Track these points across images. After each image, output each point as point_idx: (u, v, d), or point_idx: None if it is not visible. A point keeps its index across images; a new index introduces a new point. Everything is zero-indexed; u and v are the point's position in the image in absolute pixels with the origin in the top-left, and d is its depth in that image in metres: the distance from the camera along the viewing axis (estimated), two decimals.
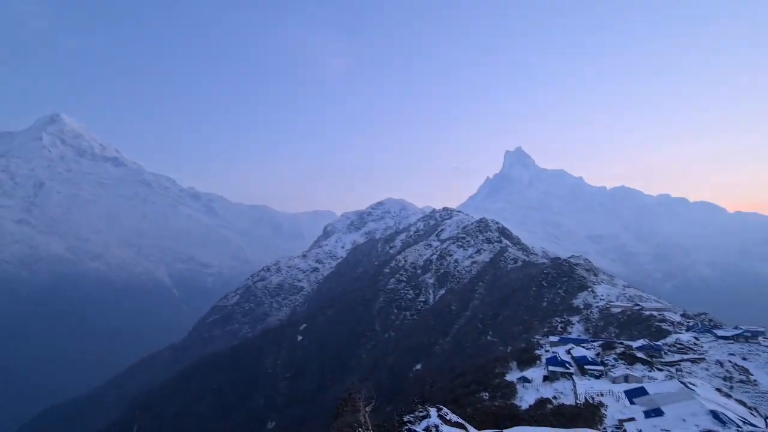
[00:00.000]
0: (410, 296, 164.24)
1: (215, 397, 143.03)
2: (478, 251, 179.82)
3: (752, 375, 50.49)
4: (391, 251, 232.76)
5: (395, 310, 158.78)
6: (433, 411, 9.72)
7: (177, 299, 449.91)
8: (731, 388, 46.29)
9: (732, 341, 59.86)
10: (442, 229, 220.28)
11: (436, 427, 8.55)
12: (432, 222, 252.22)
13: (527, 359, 50.52)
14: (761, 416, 30.07)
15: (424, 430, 8.77)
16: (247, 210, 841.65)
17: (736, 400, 35.70)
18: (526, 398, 31.68)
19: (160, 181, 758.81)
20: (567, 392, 33.59)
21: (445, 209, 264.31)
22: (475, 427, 7.88)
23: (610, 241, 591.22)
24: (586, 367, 40.46)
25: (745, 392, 45.68)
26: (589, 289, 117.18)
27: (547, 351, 52.59)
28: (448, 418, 9.38)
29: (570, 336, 77.33)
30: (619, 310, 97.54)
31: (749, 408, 32.37)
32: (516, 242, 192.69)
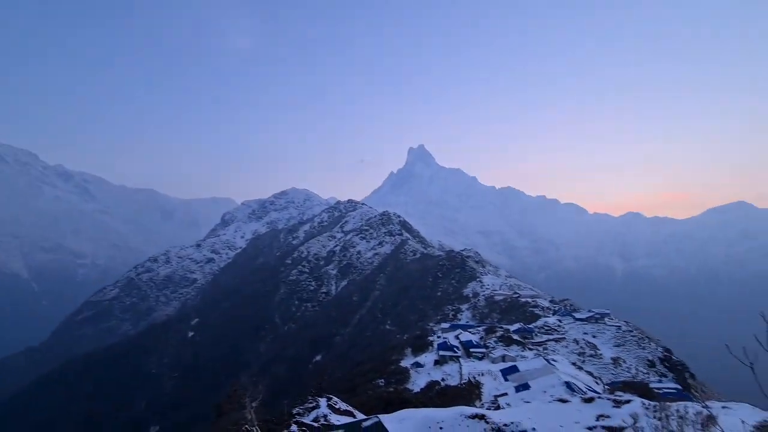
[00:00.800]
0: (312, 287, 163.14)
1: (88, 403, 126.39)
2: (381, 243, 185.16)
3: (599, 350, 60.60)
4: (294, 242, 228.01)
5: (297, 302, 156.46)
6: (322, 401, 9.94)
7: (36, 294, 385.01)
8: (583, 361, 55.01)
9: (586, 322, 71.02)
10: (346, 221, 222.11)
11: (325, 416, 8.80)
12: (336, 213, 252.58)
13: (421, 345, 53.96)
14: (602, 383, 36.53)
15: (312, 420, 8.96)
16: (131, 194, 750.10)
17: (586, 371, 42.65)
18: (418, 382, 34.07)
19: (18, 155, 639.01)
20: (454, 374, 36.82)
21: (350, 201, 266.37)
22: (365, 413, 8.27)
23: (498, 236, 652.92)
24: (471, 350, 44.69)
25: (594, 364, 54.69)
26: (478, 280, 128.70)
27: (438, 337, 56.71)
28: (337, 407, 9.71)
29: (459, 322, 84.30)
30: (501, 297, 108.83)
31: (595, 377, 38.99)
32: (416, 235, 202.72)
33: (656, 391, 26.83)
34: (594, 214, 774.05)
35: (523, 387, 21.52)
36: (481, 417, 6.64)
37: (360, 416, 8.28)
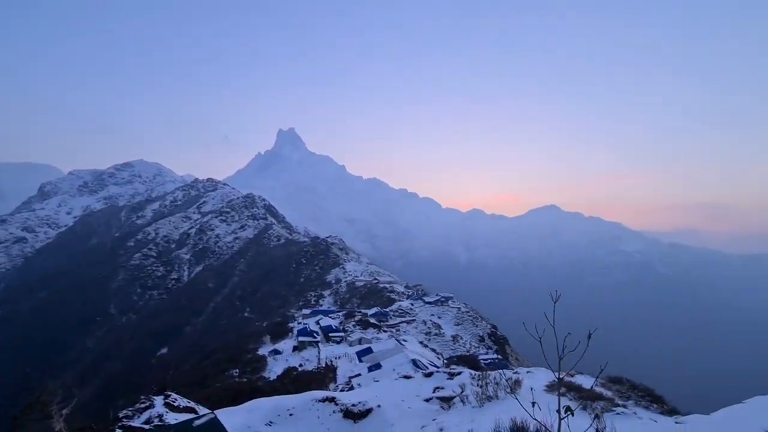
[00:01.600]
0: (160, 273, 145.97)
1: None
2: (243, 227, 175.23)
3: (442, 329, 68.31)
4: (139, 222, 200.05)
5: (139, 290, 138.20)
6: (158, 399, 8.86)
7: None
8: (429, 339, 61.36)
9: (433, 305, 79.16)
10: (204, 201, 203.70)
11: (160, 416, 7.87)
12: (194, 192, 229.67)
13: (280, 332, 53.09)
14: (443, 358, 41.44)
15: (144, 422, 7.89)
16: None
17: (431, 348, 47.72)
18: (275, 369, 33.52)
19: None
20: (312, 359, 37.31)
21: (210, 180, 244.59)
22: (211, 407, 7.64)
23: (362, 224, 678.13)
24: (330, 334, 45.80)
25: (437, 342, 61.42)
26: (341, 266, 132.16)
27: (299, 323, 56.56)
28: (176, 404, 8.79)
29: (321, 308, 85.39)
30: (362, 283, 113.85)
31: (437, 353, 43.88)
32: (281, 220, 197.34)
33: (483, 361, 31.52)
34: (446, 209, 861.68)
35: (376, 367, 23.09)
36: (331, 399, 6.85)
37: (204, 411, 7.64)
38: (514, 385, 6.74)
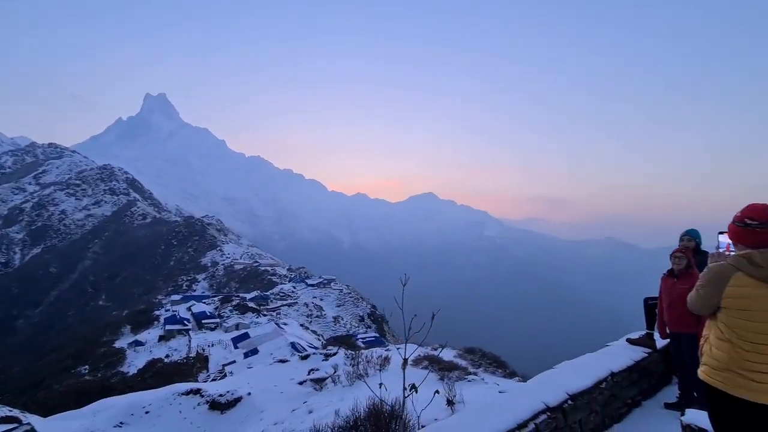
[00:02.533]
0: None
1: None
2: (98, 203, 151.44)
3: (324, 311, 69.02)
4: None
5: None
6: None
7: None
8: (311, 322, 61.49)
9: (316, 287, 79.36)
10: (45, 171, 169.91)
11: None
12: (29, 159, 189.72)
13: (144, 321, 47.68)
14: (323, 339, 42.04)
15: None
16: None
17: (312, 330, 47.94)
18: (136, 363, 29.95)
19: None
20: (182, 348, 34.34)
21: (52, 146, 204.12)
22: (45, 414, 6.41)
23: (243, 203, 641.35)
24: (203, 321, 42.74)
25: (319, 324, 61.89)
26: (218, 248, 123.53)
27: (167, 311, 51.49)
28: None
29: (194, 293, 79.04)
30: (241, 266, 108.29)
31: (318, 335, 44.29)
32: (147, 197, 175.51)
33: (362, 340, 32.88)
34: (331, 192, 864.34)
35: (252, 352, 22.34)
36: (196, 391, 6.44)
37: (33, 420, 6.31)
38: (383, 362, 7.17)
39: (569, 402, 3.34)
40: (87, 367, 32.65)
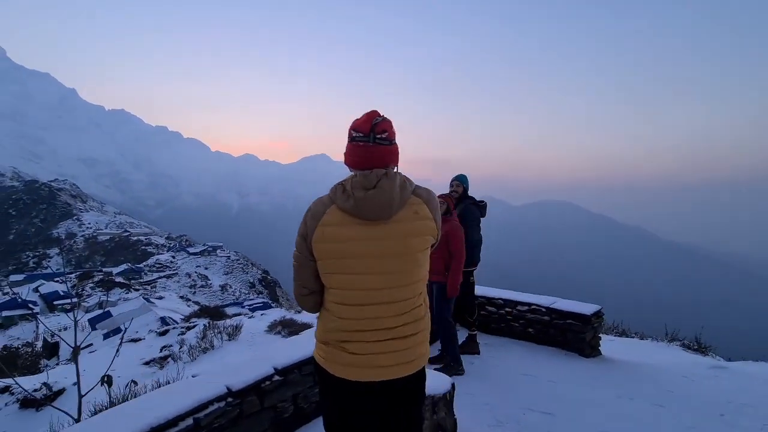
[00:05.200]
0: None
1: None
2: None
3: (210, 279, 65.00)
4: None
5: None
6: None
7: None
8: (194, 293, 57.47)
9: (199, 255, 73.96)
10: None
11: None
12: None
13: None
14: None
15: None
16: None
17: (194, 301, 44.80)
18: None
19: None
20: (28, 336, 29.37)
21: None
22: None
23: (106, 166, 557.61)
24: (56, 302, 36.92)
25: (204, 294, 58.22)
26: (75, 218, 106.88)
27: (6, 294, 43.11)
28: None
29: (43, 272, 67.48)
30: (107, 237, 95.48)
31: (201, 305, 41.65)
32: None
33: (248, 306, 31.86)
34: (216, 152, 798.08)
35: (115, 332, 19.94)
36: (4, 390, 5.43)
37: None
38: (234, 331, 6.85)
39: (277, 378, 2.73)
40: None
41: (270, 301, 43.98)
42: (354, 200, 1.47)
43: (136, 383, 5.39)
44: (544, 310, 5.26)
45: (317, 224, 1.54)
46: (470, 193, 4.88)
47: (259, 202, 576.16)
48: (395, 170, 1.56)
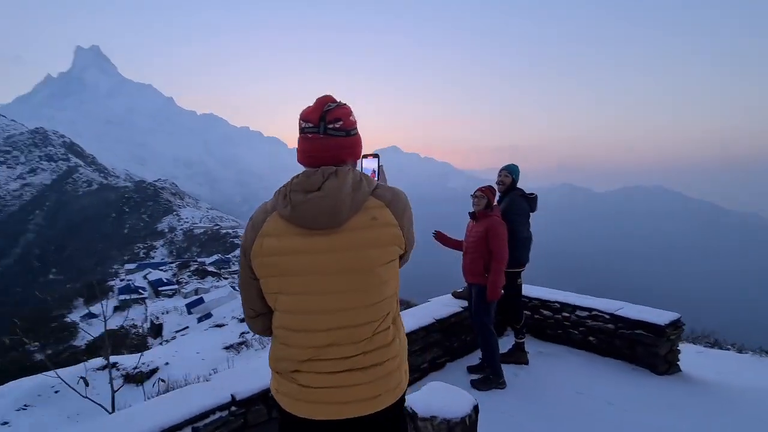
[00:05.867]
0: None
1: None
2: (33, 171, 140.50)
3: None
4: None
5: None
6: None
7: None
8: None
9: None
10: None
11: None
12: None
13: (97, 293, 45.98)
14: None
15: None
16: None
17: None
18: (89, 336, 29.17)
19: None
20: (138, 317, 33.74)
21: None
22: None
23: (199, 166, 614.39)
24: (160, 288, 41.85)
25: None
26: (175, 213, 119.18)
27: (122, 280, 49.86)
28: None
29: (151, 261, 76.69)
30: (201, 230, 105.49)
31: None
32: (91, 162, 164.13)
33: None
34: (292, 149, 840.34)
35: (206, 317, 22.23)
36: (112, 365, 6.28)
37: None
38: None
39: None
40: (38, 344, 31.48)
41: None
42: (291, 206, 1.20)
43: (164, 381, 5.73)
44: (607, 317, 4.50)
45: (256, 235, 1.25)
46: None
47: None
48: (350, 168, 1.26)
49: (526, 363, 4.31)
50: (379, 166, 1.68)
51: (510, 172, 4.29)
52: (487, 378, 3.78)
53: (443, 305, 4.53)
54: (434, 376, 3.99)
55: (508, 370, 4.03)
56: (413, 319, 4.12)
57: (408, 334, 3.60)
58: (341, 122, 1.24)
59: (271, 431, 2.51)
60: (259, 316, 1.38)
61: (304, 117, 1.24)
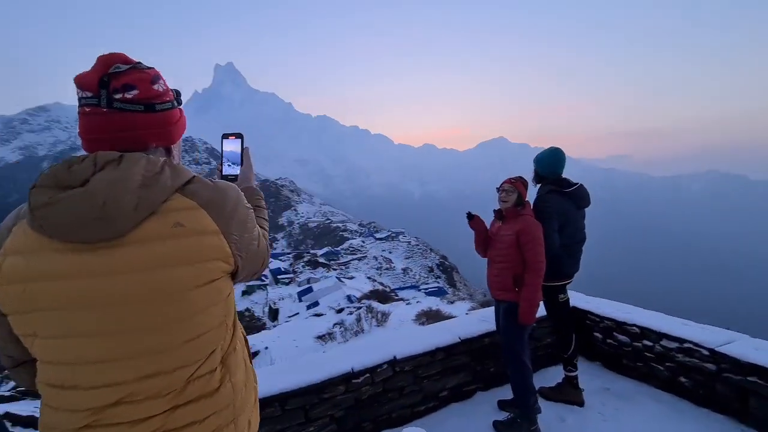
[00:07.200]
0: None
1: None
2: None
3: (393, 263, 70.98)
4: None
5: None
6: None
7: None
8: (380, 274, 63.75)
9: (384, 241, 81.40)
10: None
11: None
12: None
13: None
14: (390, 288, 43.65)
15: None
16: None
17: (379, 282, 49.77)
18: None
19: None
20: (261, 301, 37.97)
21: None
22: None
23: (314, 164, 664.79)
24: (279, 276, 46.44)
25: (388, 276, 64.01)
26: (293, 208, 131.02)
27: None
28: None
29: (274, 251, 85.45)
30: (315, 224, 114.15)
31: (385, 286, 46.01)
32: None
33: (424, 291, 33.52)
34: (398, 145, 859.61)
35: (314, 305, 23.98)
36: None
37: None
38: (382, 318, 7.19)
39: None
40: None
41: (446, 287, 45.23)
42: (31, 209, 0.77)
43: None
44: (706, 353, 3.07)
45: None
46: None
47: (439, 189, 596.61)
48: (146, 156, 0.83)
49: (580, 404, 3.20)
50: (243, 149, 1.31)
51: (540, 160, 3.17)
52: (514, 421, 2.89)
53: (478, 321, 3.56)
54: (456, 407, 3.21)
55: (552, 411, 3.02)
56: (429, 336, 3.28)
57: (419, 356, 3.02)
58: (135, 91, 0.84)
59: None
60: (22, 365, 0.88)
61: (78, 83, 0.83)
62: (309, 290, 30.77)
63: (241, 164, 1.30)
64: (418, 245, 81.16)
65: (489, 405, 3.19)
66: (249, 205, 0.97)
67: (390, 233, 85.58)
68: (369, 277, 52.46)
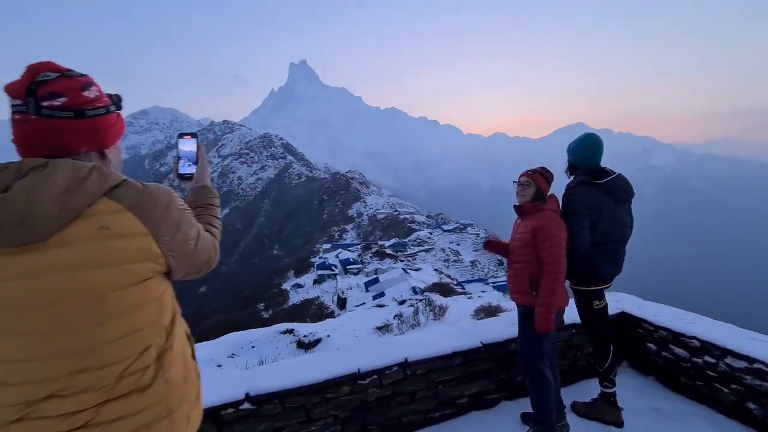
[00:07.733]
0: None
1: None
2: (263, 167, 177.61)
3: (461, 255, 69.98)
4: (163, 169, 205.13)
5: None
6: None
7: None
8: (447, 266, 63.23)
9: (452, 233, 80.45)
10: (223, 145, 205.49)
11: None
12: (211, 136, 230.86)
13: (303, 267, 55.94)
14: (457, 280, 43.21)
15: None
16: None
17: (446, 274, 49.42)
18: (294, 302, 36.06)
19: None
20: (331, 290, 39.74)
21: (225, 122, 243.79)
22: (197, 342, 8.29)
23: (383, 156, 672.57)
24: (348, 267, 48.09)
25: (456, 268, 63.32)
26: (362, 200, 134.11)
27: (320, 258, 59.19)
28: None
29: (343, 242, 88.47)
30: (383, 216, 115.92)
31: (452, 279, 45.64)
32: (300, 158, 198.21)
33: (492, 284, 32.76)
34: (467, 135, 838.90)
35: (380, 295, 24.56)
36: (290, 331, 7.55)
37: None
38: (440, 312, 7.21)
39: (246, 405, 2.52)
40: (263, 304, 40.33)
41: None
42: None
43: (220, 366, 6.44)
44: None
45: None
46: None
47: (509, 180, 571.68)
48: (72, 161, 0.88)
49: (618, 424, 2.77)
50: (198, 147, 1.39)
51: (573, 149, 2.78)
52: None
53: (507, 324, 3.21)
54: (476, 415, 2.99)
55: (584, 430, 2.70)
56: (447, 339, 3.04)
57: (433, 359, 2.84)
58: (63, 98, 0.88)
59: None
60: None
61: (7, 90, 0.87)
62: (375, 281, 31.58)
63: (197, 163, 1.36)
64: (486, 238, 79.04)
65: (513, 415, 2.95)
66: (184, 207, 1.02)
67: (458, 225, 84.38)
68: (436, 269, 52.33)
